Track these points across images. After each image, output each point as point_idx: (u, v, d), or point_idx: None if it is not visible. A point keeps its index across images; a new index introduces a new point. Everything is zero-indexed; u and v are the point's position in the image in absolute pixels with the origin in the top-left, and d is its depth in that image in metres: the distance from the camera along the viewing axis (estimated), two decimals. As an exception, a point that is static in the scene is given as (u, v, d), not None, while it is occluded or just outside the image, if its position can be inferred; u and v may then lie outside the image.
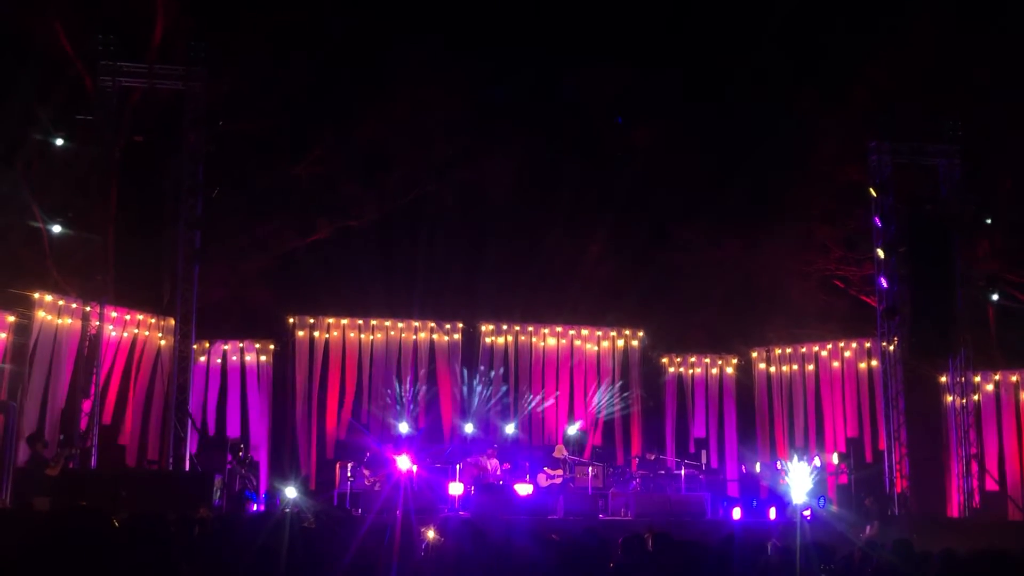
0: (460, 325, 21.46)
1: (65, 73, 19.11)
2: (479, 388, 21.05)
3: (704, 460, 20.79)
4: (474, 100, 22.84)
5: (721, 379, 22.54)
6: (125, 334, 18.79)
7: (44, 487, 14.72)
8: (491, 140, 23.18)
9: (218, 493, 15.61)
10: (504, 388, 21.26)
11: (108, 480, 15.27)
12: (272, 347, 20.66)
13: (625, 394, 21.70)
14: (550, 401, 21.39)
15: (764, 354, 22.37)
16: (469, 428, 19.91)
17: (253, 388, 20.36)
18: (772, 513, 17.28)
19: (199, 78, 17.70)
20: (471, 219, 23.52)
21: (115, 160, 17.70)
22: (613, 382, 21.73)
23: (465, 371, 21.18)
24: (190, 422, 17.67)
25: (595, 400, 21.44)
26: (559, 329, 21.92)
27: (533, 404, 21.18)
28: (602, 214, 23.35)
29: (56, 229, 18.18)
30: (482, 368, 21.27)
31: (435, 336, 21.29)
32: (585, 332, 22.04)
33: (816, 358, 21.57)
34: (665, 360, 22.45)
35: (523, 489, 18.11)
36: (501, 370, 21.36)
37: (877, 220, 19.56)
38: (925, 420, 20.21)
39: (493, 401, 21.09)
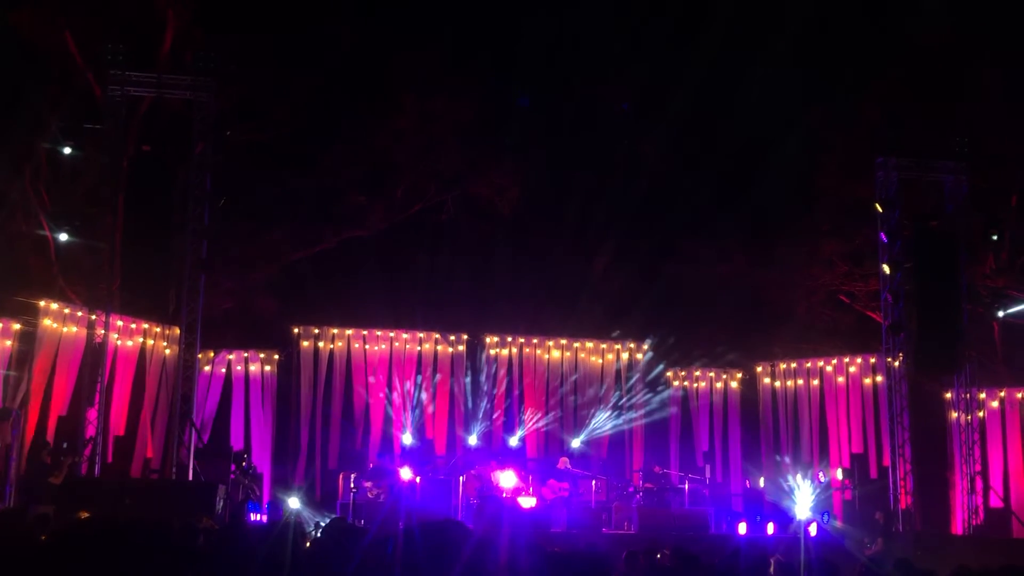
0: (464, 336, 21.47)
1: (74, 82, 19.19)
2: (483, 400, 21.03)
3: (708, 474, 20.73)
4: (482, 112, 22.86)
5: (726, 393, 22.50)
6: (130, 343, 18.82)
7: (47, 495, 14.72)
8: (499, 152, 23.20)
9: (221, 503, 15.58)
10: (508, 400, 21.24)
11: (112, 489, 15.24)
12: (276, 357, 20.68)
13: (630, 407, 21.66)
14: (553, 413, 21.34)
15: (769, 369, 22.34)
16: (473, 440, 19.88)
17: (257, 398, 20.38)
18: (769, 528, 17.14)
19: (207, 88, 17.73)
20: (477, 230, 23.51)
21: (123, 169, 17.76)
22: (619, 395, 21.70)
23: (469, 382, 21.18)
24: (194, 431, 17.65)
25: (598, 413, 21.39)
26: (564, 341, 21.90)
27: (537, 416, 21.13)
28: (609, 227, 23.33)
29: (63, 237, 18.20)
30: (486, 379, 21.25)
31: (439, 347, 21.28)
32: (590, 345, 22.02)
33: (821, 373, 21.54)
34: (670, 374, 22.43)
35: (527, 502, 18.07)
36: (505, 382, 21.33)
37: (883, 236, 19.53)
38: (930, 436, 20.16)
39: (497, 413, 21.06)
